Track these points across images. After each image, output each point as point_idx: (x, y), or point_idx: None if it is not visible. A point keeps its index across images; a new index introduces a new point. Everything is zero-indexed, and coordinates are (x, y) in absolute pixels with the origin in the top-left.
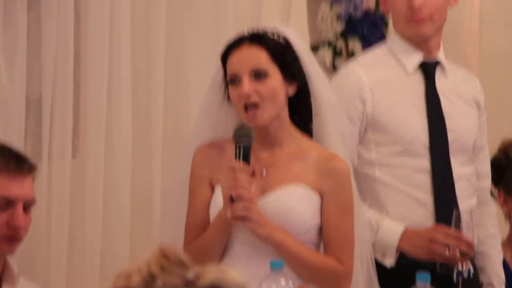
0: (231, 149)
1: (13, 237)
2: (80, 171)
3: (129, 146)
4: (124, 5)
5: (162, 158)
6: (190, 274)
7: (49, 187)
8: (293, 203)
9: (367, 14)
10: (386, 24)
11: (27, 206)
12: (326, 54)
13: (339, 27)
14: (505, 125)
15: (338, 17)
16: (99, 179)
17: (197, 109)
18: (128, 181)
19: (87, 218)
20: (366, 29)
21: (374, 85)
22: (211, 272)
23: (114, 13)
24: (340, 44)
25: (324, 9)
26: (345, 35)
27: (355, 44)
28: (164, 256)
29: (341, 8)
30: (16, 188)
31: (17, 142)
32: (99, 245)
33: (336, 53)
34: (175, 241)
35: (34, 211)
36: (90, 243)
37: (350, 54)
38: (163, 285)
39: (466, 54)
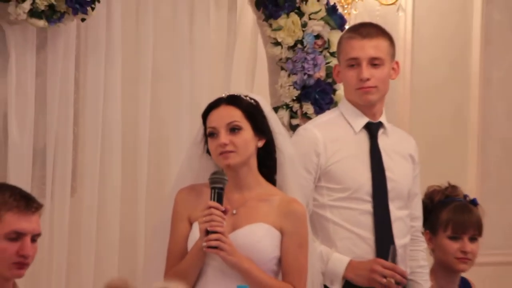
0: (208, 192)
1: (22, 263)
2: (77, 208)
3: (119, 189)
4: (115, 78)
5: (146, 200)
6: None
7: (51, 221)
8: (258, 238)
9: (318, 82)
10: (334, 91)
11: (34, 238)
12: (284, 114)
13: (295, 92)
14: (431, 175)
15: (294, 84)
16: (92, 215)
17: (175, 161)
18: (117, 216)
19: (83, 246)
20: (317, 95)
21: (327, 142)
22: None
23: (108, 84)
24: (296, 106)
25: (283, 78)
26: (300, 99)
27: (308, 107)
28: None
29: (297, 77)
30: (25, 223)
31: (25, 184)
32: (92, 268)
33: (292, 114)
34: (158, 268)
35: (39, 240)
36: (85, 267)
37: (304, 115)
38: None
39: (399, 118)
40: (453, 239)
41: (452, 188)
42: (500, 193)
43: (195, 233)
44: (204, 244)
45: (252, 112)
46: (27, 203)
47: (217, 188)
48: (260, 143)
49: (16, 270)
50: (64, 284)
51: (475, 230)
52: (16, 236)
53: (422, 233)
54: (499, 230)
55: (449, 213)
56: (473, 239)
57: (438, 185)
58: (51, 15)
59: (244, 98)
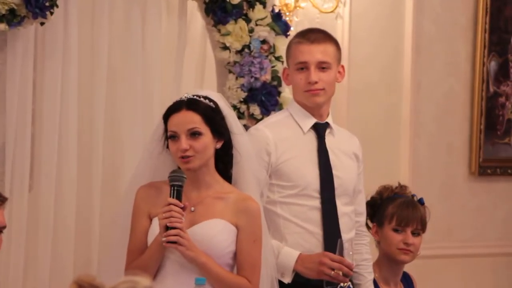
0: (167, 190)
1: None
2: (34, 203)
3: (74, 185)
4: (72, 80)
5: (100, 197)
6: None
7: (10, 215)
8: (215, 233)
9: (264, 85)
10: (279, 93)
11: (1, 230)
12: None
13: (242, 94)
14: (367, 172)
15: (242, 87)
16: (49, 210)
17: (128, 159)
18: (73, 212)
19: (39, 240)
20: (263, 97)
21: (277, 141)
22: (121, 285)
23: (64, 85)
24: (243, 108)
25: (231, 80)
26: (247, 101)
27: (255, 108)
28: (79, 286)
29: (244, 80)
30: None
31: None
32: (48, 262)
33: (239, 115)
34: (113, 263)
35: None
36: (41, 260)
37: (251, 116)
38: None
39: (337, 120)
40: (396, 231)
41: (401, 187)
42: (428, 190)
43: (155, 228)
44: (164, 239)
45: (211, 116)
46: None
47: (176, 186)
48: (219, 145)
49: None
50: (21, 277)
51: (418, 224)
52: None
53: (368, 227)
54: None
55: (395, 207)
56: (415, 233)
57: (390, 184)
58: (12, 18)
59: (204, 101)
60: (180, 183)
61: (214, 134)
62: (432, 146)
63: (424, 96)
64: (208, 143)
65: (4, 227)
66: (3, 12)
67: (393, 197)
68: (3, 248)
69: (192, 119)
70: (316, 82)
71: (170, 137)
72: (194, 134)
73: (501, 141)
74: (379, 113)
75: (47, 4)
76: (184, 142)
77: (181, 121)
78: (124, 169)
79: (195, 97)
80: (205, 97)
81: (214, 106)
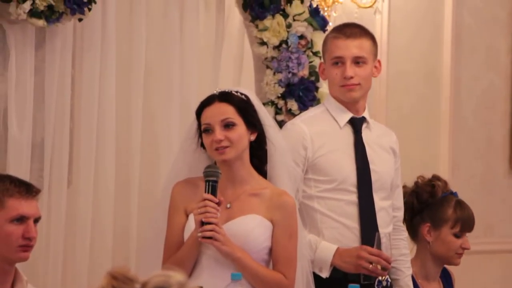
0: (203, 185)
1: (28, 246)
2: (73, 199)
3: (112, 180)
4: (110, 76)
5: (138, 192)
6: (137, 285)
7: (49, 210)
8: (250, 229)
9: (302, 80)
10: (316, 89)
11: (36, 221)
12: (270, 111)
13: (280, 90)
14: (407, 167)
15: (279, 82)
16: (88, 206)
17: (165, 155)
18: (111, 207)
19: (78, 235)
20: (301, 92)
21: (314, 136)
22: (155, 278)
23: (102, 81)
24: (281, 103)
25: (268, 76)
26: (284, 96)
27: (292, 103)
28: (113, 277)
29: (281, 75)
30: (28, 207)
31: (24, 176)
32: (87, 257)
33: (277, 110)
34: (151, 259)
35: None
36: (80, 256)
37: (288, 111)
38: None
39: (376, 114)
40: (457, 237)
41: (445, 183)
42: (468, 185)
43: (191, 224)
44: (199, 234)
45: (244, 108)
46: (27, 188)
47: (211, 181)
48: (253, 137)
49: (22, 253)
50: (60, 272)
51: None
52: (21, 219)
53: (422, 224)
54: None
55: (456, 211)
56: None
57: (427, 177)
58: (50, 15)
59: (236, 94)
60: (215, 178)
61: (247, 126)
62: (472, 140)
63: (463, 90)
64: (242, 133)
65: (39, 218)
66: (42, 8)
67: (446, 197)
68: (42, 242)
69: (225, 110)
70: (351, 77)
71: (204, 130)
72: (228, 125)
73: None
74: (419, 107)
75: (85, 0)
76: (219, 133)
77: (215, 112)
78: (161, 165)
79: (226, 90)
80: (236, 91)
81: (246, 98)
